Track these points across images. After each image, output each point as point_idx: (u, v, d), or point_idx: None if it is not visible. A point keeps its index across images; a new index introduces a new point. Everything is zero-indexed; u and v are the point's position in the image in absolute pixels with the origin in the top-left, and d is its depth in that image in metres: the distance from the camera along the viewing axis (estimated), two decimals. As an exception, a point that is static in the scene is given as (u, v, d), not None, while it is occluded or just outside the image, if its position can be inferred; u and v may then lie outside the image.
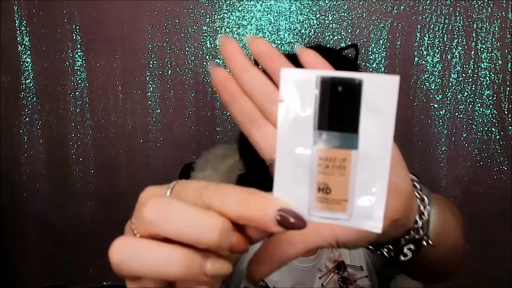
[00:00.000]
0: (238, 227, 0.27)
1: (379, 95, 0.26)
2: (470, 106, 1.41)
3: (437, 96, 1.41)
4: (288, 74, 0.27)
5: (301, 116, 0.27)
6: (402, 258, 0.42)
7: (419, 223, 0.41)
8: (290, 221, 0.26)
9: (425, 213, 0.42)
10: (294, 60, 0.34)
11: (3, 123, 1.46)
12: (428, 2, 1.36)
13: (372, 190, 0.26)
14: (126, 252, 0.25)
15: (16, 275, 1.56)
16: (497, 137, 1.41)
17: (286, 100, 0.27)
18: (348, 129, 0.26)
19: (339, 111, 0.26)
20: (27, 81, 1.45)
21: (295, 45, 0.72)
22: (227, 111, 1.46)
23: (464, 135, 1.43)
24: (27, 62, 1.44)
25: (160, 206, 0.26)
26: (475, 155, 1.43)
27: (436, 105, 1.42)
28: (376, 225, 0.27)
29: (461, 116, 1.42)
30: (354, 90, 0.26)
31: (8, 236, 1.52)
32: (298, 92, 0.26)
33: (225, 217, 0.26)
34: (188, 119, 1.47)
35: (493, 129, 1.41)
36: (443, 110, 1.42)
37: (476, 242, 1.48)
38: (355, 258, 0.83)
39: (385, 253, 0.43)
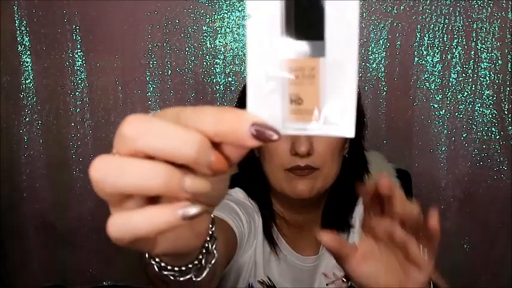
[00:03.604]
0: (217, 147, 0.27)
1: (343, 2, 0.26)
2: (470, 106, 1.41)
3: (437, 96, 1.41)
4: None
5: (268, 29, 0.27)
6: None
7: None
8: (265, 134, 0.26)
9: None
10: None
11: (3, 123, 1.46)
12: (428, 2, 1.36)
13: (341, 96, 0.27)
14: (107, 168, 0.26)
15: (16, 275, 1.56)
16: (497, 137, 1.41)
17: (252, 15, 0.27)
18: (315, 37, 0.26)
19: (304, 20, 0.26)
20: (27, 81, 1.45)
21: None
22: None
23: (464, 135, 1.43)
24: (27, 62, 1.44)
25: (140, 122, 0.26)
26: (475, 155, 1.43)
27: (436, 105, 1.42)
28: (347, 130, 0.27)
29: (461, 116, 1.42)
30: None
31: (8, 236, 1.52)
32: (263, 4, 0.27)
33: (202, 134, 0.26)
34: (188, 119, 1.47)
35: (493, 129, 1.41)
36: (443, 110, 1.42)
37: (476, 242, 1.48)
38: None
39: None
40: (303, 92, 0.27)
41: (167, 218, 0.26)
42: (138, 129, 0.26)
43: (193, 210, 0.26)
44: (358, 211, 0.86)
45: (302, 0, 0.26)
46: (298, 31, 0.27)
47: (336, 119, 0.27)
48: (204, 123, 0.26)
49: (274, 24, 0.27)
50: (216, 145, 0.27)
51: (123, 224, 0.26)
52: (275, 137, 0.26)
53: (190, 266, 0.37)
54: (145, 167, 0.25)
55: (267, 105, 0.27)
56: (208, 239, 0.38)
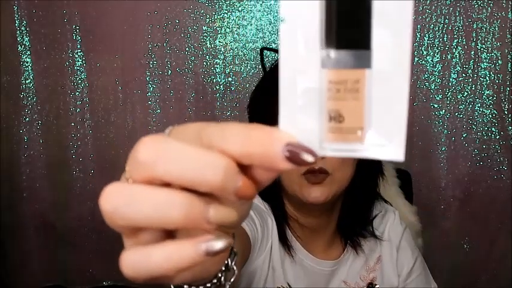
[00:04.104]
0: (244, 170, 0.24)
1: (392, 3, 0.22)
2: (470, 106, 1.41)
3: (437, 96, 1.41)
4: None
5: (305, 34, 0.23)
6: None
7: None
8: (300, 156, 0.23)
9: None
10: None
11: (3, 123, 1.46)
12: (428, 2, 1.36)
13: (389, 114, 0.23)
14: (120, 199, 0.23)
15: (16, 275, 1.56)
16: (497, 137, 1.41)
17: (287, 18, 0.23)
18: (359, 46, 0.23)
19: (347, 25, 0.23)
20: (27, 81, 1.45)
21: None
22: (227, 112, 1.46)
23: (464, 135, 1.43)
24: (27, 62, 1.44)
25: (157, 146, 0.23)
26: (475, 155, 1.43)
27: (436, 105, 1.42)
28: (397, 152, 0.23)
29: (461, 116, 1.42)
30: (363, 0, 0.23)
31: (8, 236, 1.52)
32: (300, 7, 0.23)
33: (228, 156, 0.23)
34: (188, 119, 1.47)
35: (493, 129, 1.41)
36: (443, 110, 1.42)
37: (476, 242, 1.48)
38: (388, 285, 0.82)
39: None
40: (345, 108, 0.23)
41: (189, 254, 0.23)
42: (155, 153, 0.23)
43: (218, 245, 0.23)
44: (386, 222, 0.85)
45: (345, 2, 0.23)
46: (340, 38, 0.23)
47: (383, 140, 0.23)
48: (230, 143, 0.23)
49: (312, 29, 0.23)
50: (243, 167, 0.24)
51: (140, 261, 0.24)
52: (311, 159, 0.23)
53: (208, 285, 0.33)
54: (162, 197, 0.23)
55: (301, 122, 0.24)
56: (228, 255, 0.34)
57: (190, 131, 0.25)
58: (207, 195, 0.24)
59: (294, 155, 0.23)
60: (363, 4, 0.23)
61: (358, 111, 0.23)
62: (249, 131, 0.23)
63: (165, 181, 0.23)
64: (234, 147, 0.23)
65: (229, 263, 0.34)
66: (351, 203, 0.81)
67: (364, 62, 0.23)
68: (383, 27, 0.23)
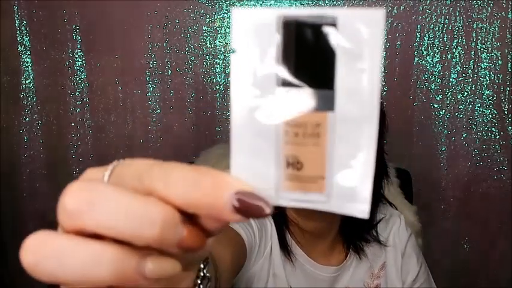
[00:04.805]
0: (192, 216, 0.22)
1: (360, 36, 0.20)
2: (470, 106, 1.41)
3: (437, 96, 1.41)
4: (240, 16, 0.21)
5: (260, 70, 0.21)
6: None
7: None
8: (251, 206, 0.20)
9: None
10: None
11: (3, 123, 1.46)
12: (428, 2, 1.36)
13: (355, 162, 0.21)
14: (41, 252, 0.20)
15: (16, 275, 1.56)
16: (497, 137, 1.41)
17: (239, 50, 0.21)
18: (321, 85, 0.20)
19: (308, 62, 0.20)
20: (27, 81, 1.45)
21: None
22: (227, 111, 1.46)
23: (464, 135, 1.43)
24: (27, 62, 1.44)
25: (85, 193, 0.20)
26: (475, 155, 1.43)
27: (436, 105, 1.42)
28: (361, 208, 0.21)
29: (461, 116, 1.42)
30: (326, 32, 0.20)
31: (8, 236, 1.52)
32: (254, 38, 0.21)
33: (170, 204, 0.21)
34: (188, 119, 1.47)
35: (493, 129, 1.41)
36: (443, 110, 1.42)
37: (476, 242, 1.48)
38: None
39: None
40: (304, 155, 0.21)
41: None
42: (83, 202, 0.20)
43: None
44: (391, 227, 0.83)
45: (305, 34, 0.20)
46: (299, 75, 0.21)
47: (346, 193, 0.21)
48: (173, 190, 0.21)
49: (267, 64, 0.21)
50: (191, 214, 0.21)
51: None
52: (267, 210, 0.21)
53: None
54: (89, 251, 0.20)
55: (255, 167, 0.21)
56: (199, 281, 0.30)
57: (131, 172, 0.22)
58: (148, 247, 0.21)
59: (244, 205, 0.20)
60: (325, 36, 0.20)
61: (318, 158, 0.21)
62: (196, 177, 0.21)
63: (96, 233, 0.20)
64: (176, 194, 0.21)
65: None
66: None
67: (326, 104, 0.21)
68: (348, 64, 0.20)
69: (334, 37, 0.20)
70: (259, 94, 0.21)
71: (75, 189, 0.21)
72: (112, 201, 0.20)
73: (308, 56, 0.20)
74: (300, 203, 0.22)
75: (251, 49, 0.21)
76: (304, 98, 0.21)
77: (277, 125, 0.21)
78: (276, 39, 0.20)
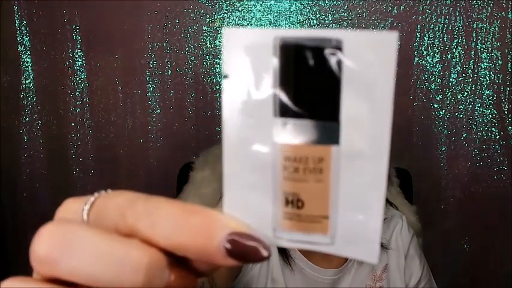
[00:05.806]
0: (180, 257, 0.19)
1: (369, 61, 0.18)
2: (470, 106, 1.41)
3: (437, 96, 1.41)
4: (233, 36, 0.18)
5: (255, 97, 0.18)
6: None
7: None
8: (246, 248, 0.18)
9: None
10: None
11: (3, 123, 1.46)
12: (428, 2, 1.36)
13: (362, 202, 0.19)
14: None
15: (16, 275, 1.56)
16: (497, 137, 1.41)
17: (232, 75, 0.19)
18: (325, 116, 0.18)
19: (309, 90, 0.18)
20: (27, 81, 1.45)
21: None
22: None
23: (464, 135, 1.43)
24: (27, 62, 1.44)
25: (59, 237, 0.18)
26: (475, 155, 1.43)
27: (436, 105, 1.42)
28: (370, 253, 0.19)
29: (461, 116, 1.42)
30: (329, 56, 0.18)
31: (8, 236, 1.52)
32: (248, 62, 0.18)
33: (155, 247, 0.18)
34: (188, 119, 1.47)
35: (493, 129, 1.41)
36: (443, 110, 1.42)
37: (476, 242, 1.48)
38: None
39: None
40: (305, 192, 0.19)
41: None
42: (55, 247, 0.18)
43: None
44: (393, 228, 0.83)
45: (306, 58, 0.18)
46: (299, 105, 0.18)
47: (353, 234, 0.19)
48: (159, 231, 0.18)
49: (263, 91, 0.18)
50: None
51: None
52: (264, 253, 0.18)
53: None
54: None
55: (251, 204, 0.19)
56: None
57: (113, 207, 0.19)
58: None
59: (239, 249, 0.18)
60: (329, 61, 0.18)
61: (321, 196, 0.19)
62: (183, 215, 0.18)
63: (72, 281, 0.18)
64: (162, 236, 0.18)
65: None
66: None
67: (331, 137, 0.18)
68: (355, 92, 0.18)
69: (339, 62, 0.18)
70: (254, 124, 0.19)
71: (48, 234, 0.19)
72: (88, 246, 0.18)
73: (309, 83, 0.18)
74: (300, 244, 0.20)
75: (245, 74, 0.18)
76: (305, 130, 0.18)
77: (275, 159, 0.19)
78: (273, 63, 0.18)
